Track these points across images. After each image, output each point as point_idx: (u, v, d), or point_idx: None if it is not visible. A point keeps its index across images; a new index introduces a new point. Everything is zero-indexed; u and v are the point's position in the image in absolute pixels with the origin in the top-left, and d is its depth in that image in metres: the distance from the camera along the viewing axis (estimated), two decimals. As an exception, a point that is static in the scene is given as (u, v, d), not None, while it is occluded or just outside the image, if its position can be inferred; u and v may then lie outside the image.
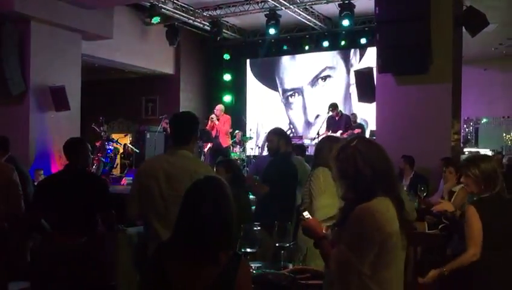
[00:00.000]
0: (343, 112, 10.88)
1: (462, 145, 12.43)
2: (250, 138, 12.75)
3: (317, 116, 13.12)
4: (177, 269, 2.07)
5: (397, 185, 2.18)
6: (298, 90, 14.11)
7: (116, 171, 12.10)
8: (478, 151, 10.61)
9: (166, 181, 3.10)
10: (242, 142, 12.27)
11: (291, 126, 14.18)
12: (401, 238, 2.06)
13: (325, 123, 10.61)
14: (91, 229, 3.82)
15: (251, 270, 2.62)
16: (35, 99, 9.22)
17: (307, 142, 11.64)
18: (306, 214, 2.40)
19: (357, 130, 10.16)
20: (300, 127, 14.05)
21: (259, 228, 2.99)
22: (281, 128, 5.04)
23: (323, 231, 2.30)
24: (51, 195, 3.84)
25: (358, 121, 11.46)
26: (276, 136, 4.72)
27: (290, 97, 14.27)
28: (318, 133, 10.99)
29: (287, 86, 14.29)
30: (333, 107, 10.35)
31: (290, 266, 2.87)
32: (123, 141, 12.16)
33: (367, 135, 11.09)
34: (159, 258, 2.14)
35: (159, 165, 3.20)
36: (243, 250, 2.90)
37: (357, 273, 2.03)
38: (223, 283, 2.04)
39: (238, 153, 11.60)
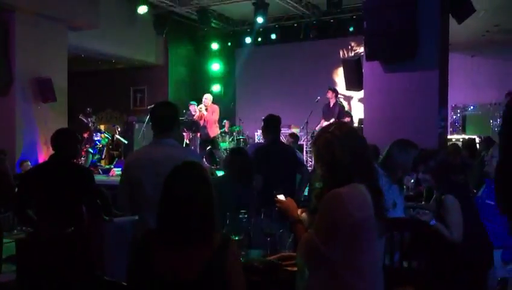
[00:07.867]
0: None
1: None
2: (239, 127, 12.71)
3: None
4: (165, 256, 2.02)
5: (374, 172, 2.12)
6: (288, 79, 14.02)
7: (105, 163, 12.06)
8: (465, 138, 10.67)
9: (153, 171, 3.08)
10: (230, 132, 12.24)
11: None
12: (378, 225, 1.99)
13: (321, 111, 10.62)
14: (77, 220, 3.80)
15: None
16: (21, 91, 9.13)
17: (295, 130, 11.61)
18: (281, 196, 2.36)
19: (347, 118, 10.18)
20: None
21: (246, 215, 3.01)
22: (268, 116, 5.02)
23: (299, 215, 2.27)
24: (36, 186, 3.80)
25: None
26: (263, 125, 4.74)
27: (280, 86, 14.20)
28: (307, 122, 11.03)
29: (275, 75, 14.20)
30: (332, 90, 10.35)
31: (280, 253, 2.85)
32: (111, 131, 12.09)
33: (355, 124, 11.13)
34: (146, 245, 2.09)
35: (146, 155, 3.20)
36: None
37: (324, 259, 1.97)
38: (214, 266, 2.00)
39: (227, 143, 11.57)
